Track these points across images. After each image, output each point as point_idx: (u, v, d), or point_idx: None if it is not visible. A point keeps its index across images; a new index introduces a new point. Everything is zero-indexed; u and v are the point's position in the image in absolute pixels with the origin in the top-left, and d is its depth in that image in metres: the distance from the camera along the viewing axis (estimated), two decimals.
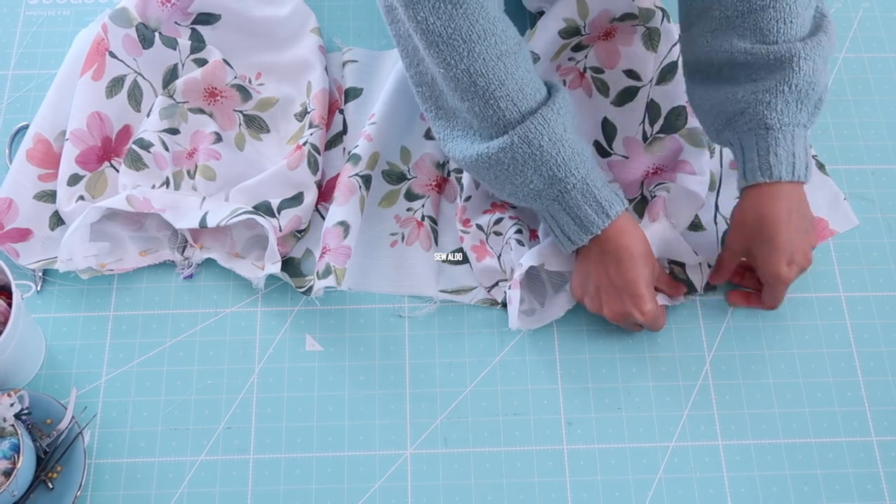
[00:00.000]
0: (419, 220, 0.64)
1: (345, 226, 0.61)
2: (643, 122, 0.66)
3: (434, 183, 0.66)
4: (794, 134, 0.53)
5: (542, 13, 0.70)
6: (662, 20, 0.66)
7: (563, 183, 0.54)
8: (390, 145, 0.67)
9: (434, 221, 0.65)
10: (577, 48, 0.68)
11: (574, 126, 0.55)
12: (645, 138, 0.66)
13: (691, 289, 0.62)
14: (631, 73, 0.67)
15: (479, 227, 0.62)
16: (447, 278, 0.63)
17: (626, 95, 0.67)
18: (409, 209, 0.65)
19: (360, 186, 0.62)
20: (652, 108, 0.66)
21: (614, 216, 0.54)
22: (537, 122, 0.52)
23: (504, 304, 0.62)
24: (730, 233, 0.58)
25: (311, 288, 0.60)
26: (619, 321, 0.58)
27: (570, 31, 0.66)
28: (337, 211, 0.61)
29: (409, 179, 0.65)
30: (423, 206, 0.65)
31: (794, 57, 0.52)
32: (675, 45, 0.66)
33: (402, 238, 0.64)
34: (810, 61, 0.52)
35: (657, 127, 0.66)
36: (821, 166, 0.67)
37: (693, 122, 0.64)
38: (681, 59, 0.65)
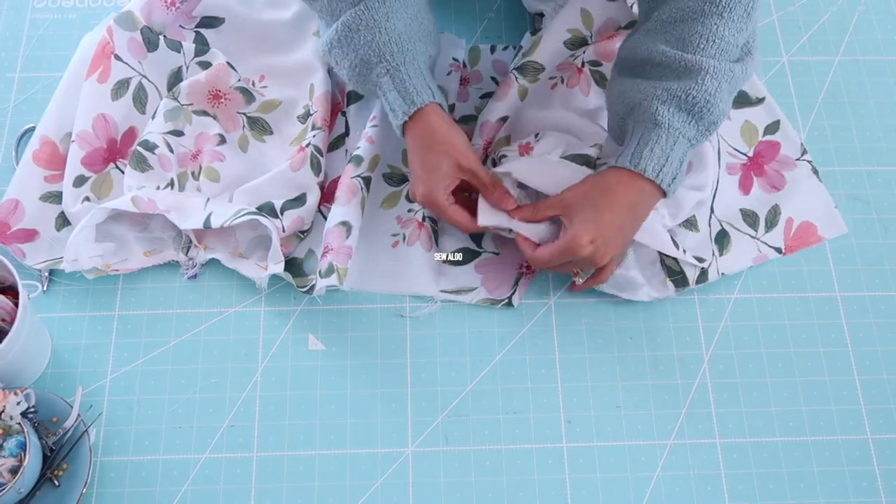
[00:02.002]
0: (420, 220, 0.64)
1: (347, 226, 0.62)
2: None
3: None
4: (677, 141, 0.54)
5: (541, 14, 0.71)
6: None
7: (378, 67, 0.57)
8: (392, 147, 0.67)
9: (434, 222, 0.65)
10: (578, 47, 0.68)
11: (408, 21, 0.58)
12: None
13: (683, 283, 0.62)
14: None
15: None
16: (448, 278, 0.63)
17: None
18: (409, 210, 0.65)
19: (361, 188, 0.63)
20: None
21: (420, 104, 0.57)
22: (359, 9, 0.56)
23: (504, 303, 0.62)
24: (574, 185, 0.57)
25: (313, 287, 0.61)
26: (428, 207, 0.59)
27: (576, 42, 0.67)
28: (339, 211, 0.62)
29: (409, 181, 0.66)
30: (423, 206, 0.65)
31: (702, 71, 0.53)
32: None
33: (404, 238, 0.64)
34: (716, 82, 0.54)
35: None
36: (815, 171, 0.68)
37: None
38: None
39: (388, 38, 0.57)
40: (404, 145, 0.67)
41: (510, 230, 0.59)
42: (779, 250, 0.65)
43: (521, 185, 0.61)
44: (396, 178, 0.67)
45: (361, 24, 0.56)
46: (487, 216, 0.59)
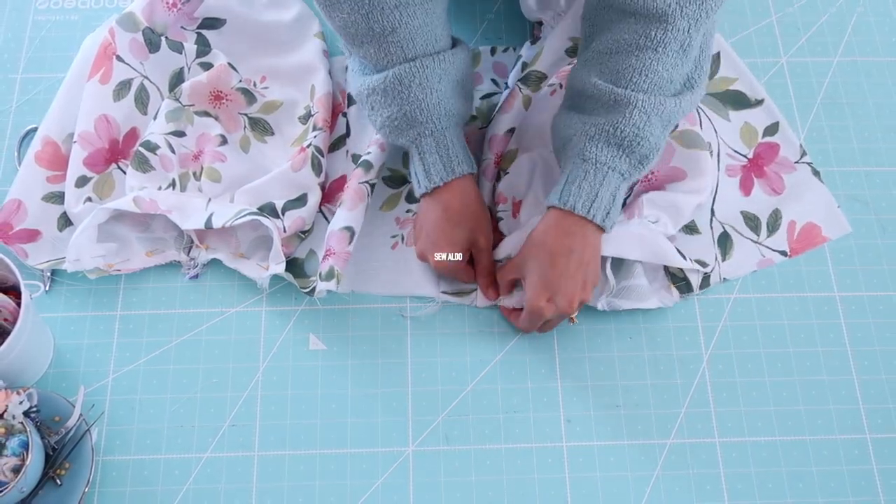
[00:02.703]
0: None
1: (350, 231, 0.62)
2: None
3: None
4: (607, 176, 0.54)
5: (540, 23, 0.71)
6: None
7: (423, 127, 0.57)
8: (393, 151, 0.67)
9: None
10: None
11: (455, 83, 0.58)
12: None
13: (687, 289, 0.63)
14: None
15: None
16: (448, 280, 0.64)
17: None
18: (408, 210, 0.66)
19: (368, 194, 0.63)
20: None
21: (459, 174, 0.58)
22: (414, 66, 0.56)
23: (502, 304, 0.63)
24: (522, 246, 0.58)
25: (314, 289, 0.61)
26: (433, 266, 0.60)
27: (576, 50, 0.67)
28: (345, 215, 0.62)
29: (409, 183, 0.66)
30: None
31: (630, 105, 0.53)
32: None
33: (402, 239, 0.65)
34: (644, 115, 0.53)
35: None
36: (816, 173, 0.68)
37: (685, 124, 0.65)
38: None
39: (437, 100, 0.57)
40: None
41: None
42: (784, 253, 0.65)
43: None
44: (397, 181, 0.67)
45: (414, 81, 0.56)
46: (482, 299, 0.63)
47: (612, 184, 0.55)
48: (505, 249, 0.61)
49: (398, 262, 0.64)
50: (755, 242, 0.65)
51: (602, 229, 0.56)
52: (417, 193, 0.60)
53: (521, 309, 0.59)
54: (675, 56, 0.54)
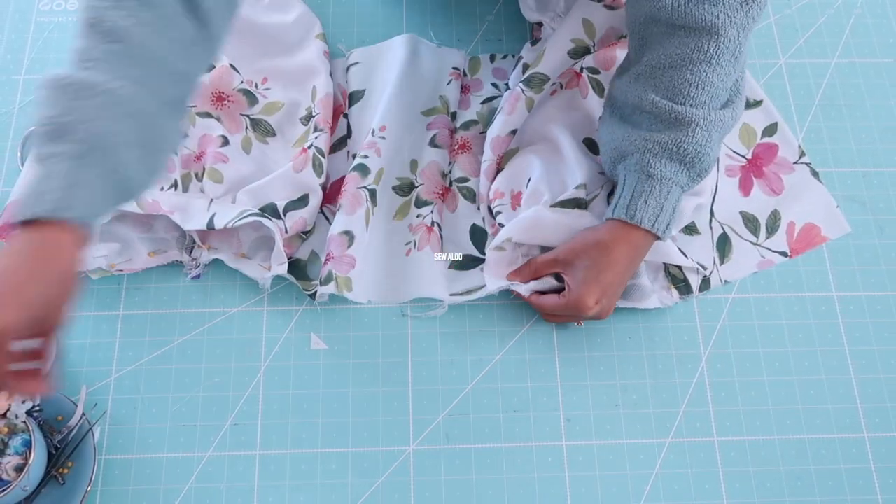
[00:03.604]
0: (429, 224, 0.64)
1: (349, 235, 0.62)
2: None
3: (439, 192, 0.66)
4: (671, 190, 0.56)
5: (540, 24, 0.72)
6: None
7: (75, 146, 0.43)
8: (400, 160, 0.67)
9: (440, 227, 0.65)
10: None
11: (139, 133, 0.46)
12: None
13: (687, 290, 0.63)
14: None
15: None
16: (458, 282, 0.63)
17: None
18: (418, 216, 0.65)
19: (367, 199, 0.63)
20: None
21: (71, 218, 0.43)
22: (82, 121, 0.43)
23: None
24: (566, 244, 0.59)
25: (316, 293, 0.61)
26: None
27: (579, 51, 0.67)
28: (343, 220, 0.62)
29: (416, 187, 0.66)
30: (431, 211, 0.65)
31: (692, 124, 0.54)
32: None
33: (415, 245, 0.64)
34: (705, 132, 0.55)
35: None
36: (814, 173, 0.68)
37: None
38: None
39: (111, 129, 0.44)
40: (412, 156, 0.67)
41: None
42: (784, 254, 0.65)
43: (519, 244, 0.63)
44: (405, 188, 0.67)
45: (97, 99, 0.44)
46: (517, 230, 0.61)
47: (674, 197, 0.56)
48: (517, 234, 0.60)
49: (411, 267, 0.64)
50: (754, 244, 0.66)
51: (657, 238, 0.57)
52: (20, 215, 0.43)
53: (546, 294, 0.59)
54: (727, 65, 0.54)
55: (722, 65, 0.54)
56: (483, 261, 0.64)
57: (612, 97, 0.61)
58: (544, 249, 0.63)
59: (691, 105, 0.55)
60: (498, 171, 0.66)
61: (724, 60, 0.54)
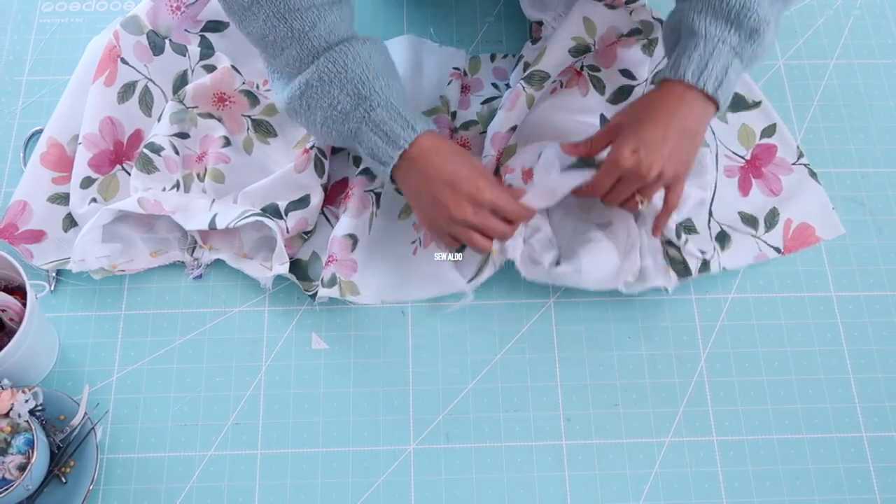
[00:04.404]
0: None
1: (353, 239, 0.62)
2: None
3: None
4: (717, 48, 0.54)
5: (540, 23, 0.72)
6: (661, 30, 0.68)
7: (368, 101, 0.55)
8: None
9: None
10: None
11: (383, 59, 0.57)
12: None
13: (686, 272, 0.62)
14: (626, 73, 0.69)
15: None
16: (467, 266, 0.62)
17: (621, 94, 0.68)
18: None
19: (373, 202, 0.64)
20: None
21: (420, 131, 0.55)
22: (343, 47, 0.55)
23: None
24: (619, 112, 0.57)
25: (316, 293, 0.61)
26: (469, 216, 0.55)
27: (580, 50, 0.67)
28: (349, 223, 0.62)
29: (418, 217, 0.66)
30: None
31: None
32: None
33: (420, 243, 0.64)
34: None
35: None
36: (812, 174, 0.68)
37: None
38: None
39: (375, 72, 0.55)
40: None
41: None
42: (778, 250, 0.66)
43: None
44: None
45: (348, 59, 0.54)
46: (535, 199, 0.58)
47: (724, 57, 0.54)
48: (531, 202, 0.58)
49: (421, 266, 0.63)
50: (753, 236, 0.66)
51: (714, 102, 0.54)
52: (384, 173, 0.56)
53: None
54: None
55: None
56: None
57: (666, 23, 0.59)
58: (553, 225, 0.62)
59: None
60: (497, 167, 0.66)
61: None
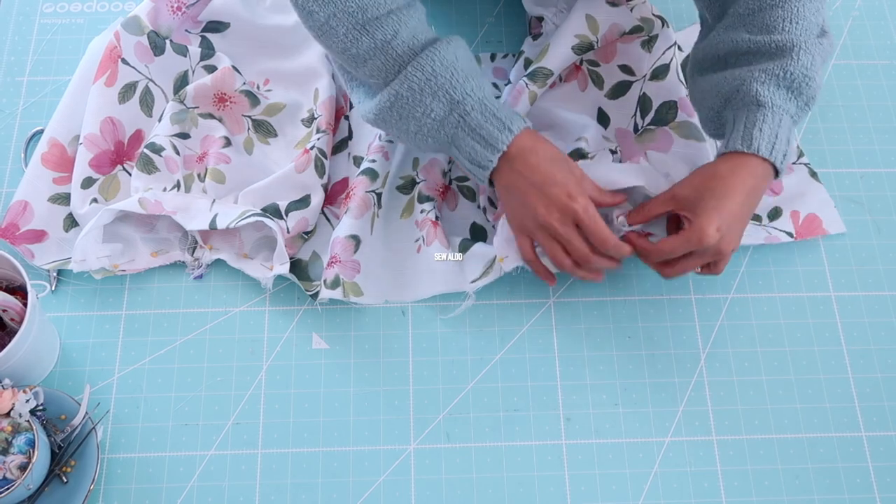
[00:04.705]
0: (433, 219, 0.64)
1: (356, 240, 0.62)
2: (635, 114, 0.68)
3: (440, 189, 0.67)
4: (782, 119, 0.54)
5: (541, 19, 0.72)
6: (662, 27, 0.68)
7: (462, 105, 0.54)
8: (402, 158, 0.67)
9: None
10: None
11: (468, 60, 0.57)
12: (636, 130, 0.68)
13: None
14: (625, 69, 0.69)
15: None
16: (472, 265, 0.62)
17: (620, 89, 0.68)
18: (422, 211, 0.65)
19: (374, 203, 0.64)
20: (644, 102, 0.68)
21: (517, 131, 0.55)
22: (428, 53, 0.54)
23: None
24: (683, 180, 0.56)
25: (317, 293, 0.61)
26: (555, 223, 0.54)
27: (583, 47, 0.67)
28: (351, 223, 0.62)
29: (418, 183, 0.66)
30: (433, 207, 0.65)
31: (795, 47, 0.54)
32: (669, 48, 0.68)
33: (423, 241, 0.64)
34: (809, 55, 0.54)
35: (648, 119, 0.67)
36: (813, 174, 0.69)
37: (683, 115, 0.65)
38: (674, 61, 0.67)
39: (464, 74, 0.54)
40: (414, 154, 0.67)
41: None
42: (790, 234, 0.65)
43: None
44: (408, 186, 0.67)
45: (435, 65, 0.54)
46: (510, 260, 0.59)
47: (787, 127, 0.54)
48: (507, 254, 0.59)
49: (424, 263, 0.63)
50: (759, 225, 0.65)
51: (776, 173, 0.55)
52: (484, 177, 0.55)
53: (645, 239, 0.56)
54: (816, 0, 0.55)
55: None
56: (485, 237, 0.64)
57: (697, 59, 0.59)
58: None
59: (789, 34, 0.54)
60: None
61: None
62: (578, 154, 0.62)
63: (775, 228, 0.65)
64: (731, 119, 0.56)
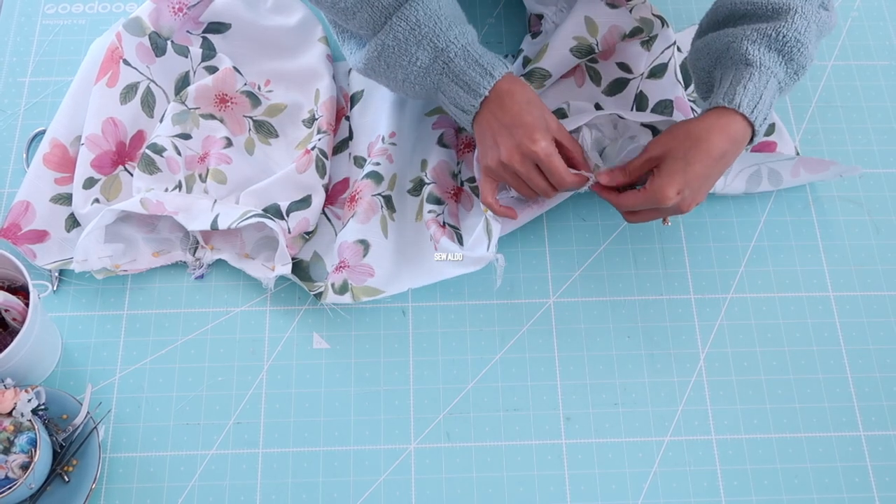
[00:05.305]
0: (441, 224, 0.64)
1: (365, 244, 0.62)
2: (631, 111, 0.68)
3: (451, 192, 0.67)
4: (769, 80, 0.54)
5: (540, 16, 0.72)
6: (662, 27, 0.69)
7: (445, 53, 0.56)
8: (410, 163, 0.67)
9: (456, 229, 0.65)
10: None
11: (452, 6, 0.58)
12: None
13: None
14: (623, 66, 0.69)
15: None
16: (478, 239, 0.62)
17: (617, 86, 0.69)
18: (430, 211, 0.65)
19: (381, 206, 0.64)
20: (640, 100, 0.68)
21: (498, 76, 0.56)
22: (413, 2, 0.55)
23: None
24: (657, 137, 0.56)
25: (321, 293, 0.61)
26: (515, 164, 0.55)
27: (582, 49, 0.67)
28: (357, 228, 0.62)
29: (427, 184, 0.66)
30: (443, 211, 0.65)
31: (791, 10, 0.54)
32: (668, 47, 0.68)
33: (430, 239, 0.64)
34: (805, 21, 0.54)
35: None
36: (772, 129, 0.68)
37: (679, 115, 0.65)
38: (673, 60, 0.67)
39: (448, 23, 0.56)
40: (422, 156, 0.67)
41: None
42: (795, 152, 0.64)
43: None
44: (417, 187, 0.67)
45: (419, 14, 0.55)
46: (505, 225, 0.60)
47: (772, 90, 0.54)
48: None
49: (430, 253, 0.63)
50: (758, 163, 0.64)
51: (752, 136, 0.54)
52: (466, 121, 0.57)
53: (625, 192, 0.57)
54: None
55: None
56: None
57: (700, 28, 0.59)
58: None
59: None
60: None
61: None
62: (560, 113, 0.62)
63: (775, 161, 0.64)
64: (720, 77, 0.56)
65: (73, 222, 0.65)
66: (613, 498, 0.58)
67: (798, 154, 0.70)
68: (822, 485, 0.59)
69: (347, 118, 0.70)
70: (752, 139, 0.55)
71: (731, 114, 0.53)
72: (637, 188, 0.58)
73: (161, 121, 0.68)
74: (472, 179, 0.67)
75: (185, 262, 0.65)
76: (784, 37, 0.53)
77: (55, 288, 0.64)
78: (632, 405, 0.61)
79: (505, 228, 0.63)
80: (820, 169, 0.65)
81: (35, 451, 0.52)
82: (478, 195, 0.66)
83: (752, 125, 0.54)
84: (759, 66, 0.53)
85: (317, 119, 0.68)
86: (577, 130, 0.62)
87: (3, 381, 0.54)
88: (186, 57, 0.70)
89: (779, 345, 0.63)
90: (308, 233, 0.66)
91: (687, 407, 0.61)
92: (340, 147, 0.70)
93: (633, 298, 0.64)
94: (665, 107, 0.67)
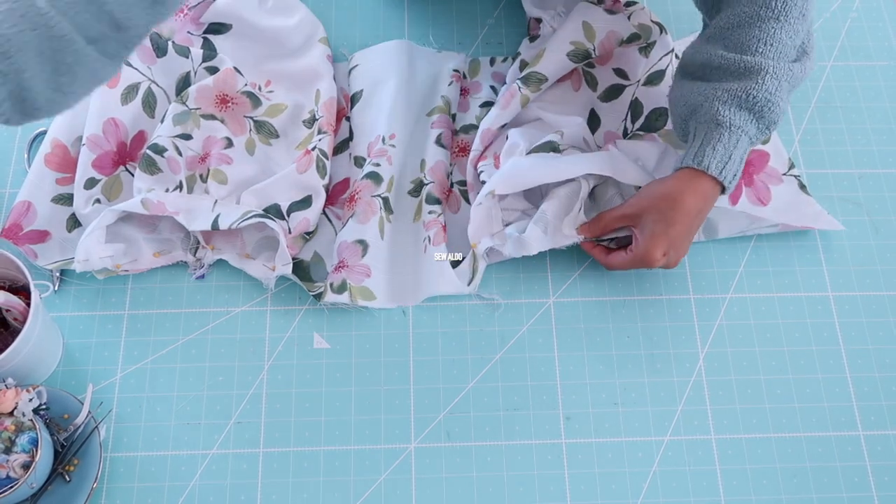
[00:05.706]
0: (443, 224, 0.64)
1: (364, 245, 0.62)
2: (625, 119, 0.68)
3: (445, 192, 0.67)
4: (739, 139, 0.56)
5: (539, 20, 0.72)
6: (661, 34, 0.69)
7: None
8: (409, 164, 0.67)
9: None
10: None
11: None
12: (625, 134, 0.68)
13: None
14: (620, 72, 0.69)
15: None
16: (462, 269, 0.63)
17: (613, 92, 0.69)
18: (430, 212, 0.65)
19: (381, 207, 0.64)
20: (635, 107, 0.68)
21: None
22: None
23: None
24: (634, 198, 0.59)
25: (321, 294, 0.61)
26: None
27: (579, 55, 0.67)
28: (357, 228, 0.63)
29: (426, 185, 0.66)
30: (443, 212, 0.65)
31: (762, 71, 0.55)
32: (666, 54, 0.69)
33: (429, 241, 0.64)
34: (776, 81, 0.55)
35: (637, 125, 0.68)
36: (802, 187, 0.67)
37: (671, 124, 0.66)
38: (670, 67, 0.67)
39: None
40: (421, 156, 0.68)
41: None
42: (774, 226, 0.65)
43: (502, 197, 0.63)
44: (417, 188, 0.67)
45: None
46: (501, 183, 0.61)
47: (742, 147, 0.56)
48: (498, 186, 0.60)
49: (426, 264, 0.63)
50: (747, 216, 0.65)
51: (723, 191, 0.57)
52: (715, 186, 0.57)
53: (607, 247, 0.61)
54: (795, 22, 0.55)
55: (790, 21, 0.55)
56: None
57: (682, 62, 0.61)
58: (528, 199, 0.64)
59: (761, 57, 0.55)
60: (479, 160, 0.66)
61: (792, 17, 0.55)
62: (550, 146, 0.63)
63: (760, 227, 0.65)
64: (693, 131, 0.58)
65: (74, 222, 0.66)
66: (613, 497, 0.58)
67: (791, 170, 0.68)
68: (822, 484, 0.59)
69: (348, 118, 0.71)
70: (724, 190, 0.57)
71: (701, 175, 0.56)
72: (615, 238, 0.62)
73: (162, 121, 0.68)
74: (464, 182, 0.68)
75: (185, 263, 0.65)
76: (754, 98, 0.55)
77: (56, 288, 0.64)
78: (631, 405, 0.61)
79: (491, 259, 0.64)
80: (806, 224, 0.66)
81: (36, 450, 0.52)
82: (466, 199, 0.67)
83: (721, 184, 0.56)
84: (729, 127, 0.56)
85: (317, 119, 0.68)
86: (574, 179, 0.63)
87: (4, 381, 0.55)
88: (187, 57, 0.70)
89: (778, 345, 0.63)
90: (308, 233, 0.66)
91: (686, 407, 0.61)
92: (341, 147, 0.70)
93: (633, 298, 0.64)
94: (659, 115, 0.67)
